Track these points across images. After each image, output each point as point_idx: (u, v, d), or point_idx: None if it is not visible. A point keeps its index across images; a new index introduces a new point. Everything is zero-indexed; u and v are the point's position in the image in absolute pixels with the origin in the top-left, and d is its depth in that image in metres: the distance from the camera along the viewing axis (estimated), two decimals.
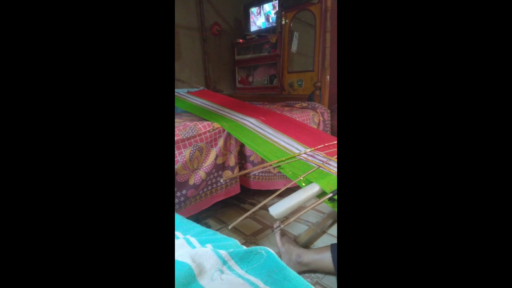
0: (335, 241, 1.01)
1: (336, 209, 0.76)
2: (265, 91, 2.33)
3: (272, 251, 0.41)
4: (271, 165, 0.90)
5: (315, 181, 0.77)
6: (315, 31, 1.77)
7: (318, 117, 1.47)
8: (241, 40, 2.49)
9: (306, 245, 0.95)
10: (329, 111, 1.52)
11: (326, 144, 1.04)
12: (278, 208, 0.62)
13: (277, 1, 2.12)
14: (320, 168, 0.87)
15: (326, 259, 0.74)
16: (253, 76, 2.58)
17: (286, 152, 0.99)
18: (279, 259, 0.40)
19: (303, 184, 0.79)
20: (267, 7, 2.29)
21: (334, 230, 1.06)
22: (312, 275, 0.81)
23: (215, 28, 2.46)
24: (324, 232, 1.05)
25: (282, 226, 0.57)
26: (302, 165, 0.90)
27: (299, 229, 1.07)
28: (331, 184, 0.76)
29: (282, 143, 1.05)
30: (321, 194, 0.76)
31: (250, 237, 1.05)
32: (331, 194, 0.71)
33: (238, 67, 2.64)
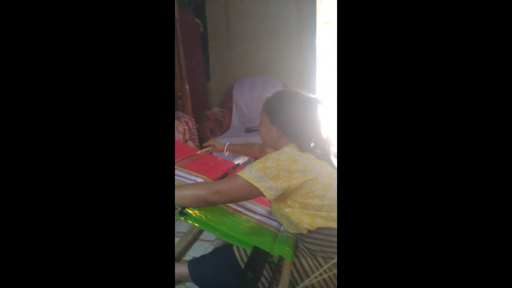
0: (208, 246, 1.08)
1: (190, 222, 0.81)
2: None
3: None
4: None
5: None
6: None
7: (183, 126, 1.51)
8: None
9: (179, 257, 0.98)
10: (193, 119, 1.58)
11: (184, 158, 1.08)
12: None
13: None
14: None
15: (184, 274, 0.77)
16: None
17: None
18: None
19: None
20: None
21: (206, 235, 1.14)
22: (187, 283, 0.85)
23: None
24: (196, 239, 1.10)
25: None
26: None
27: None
28: None
29: None
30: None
31: None
32: (180, 208, 0.75)
33: None
